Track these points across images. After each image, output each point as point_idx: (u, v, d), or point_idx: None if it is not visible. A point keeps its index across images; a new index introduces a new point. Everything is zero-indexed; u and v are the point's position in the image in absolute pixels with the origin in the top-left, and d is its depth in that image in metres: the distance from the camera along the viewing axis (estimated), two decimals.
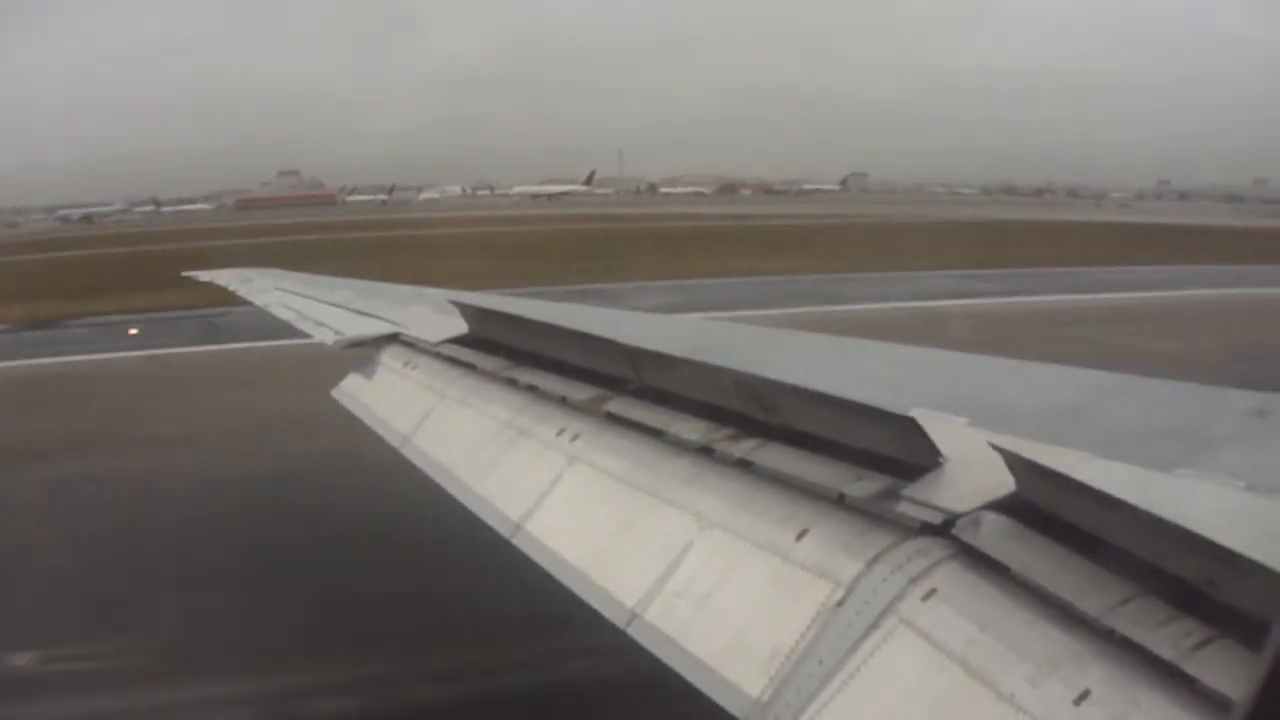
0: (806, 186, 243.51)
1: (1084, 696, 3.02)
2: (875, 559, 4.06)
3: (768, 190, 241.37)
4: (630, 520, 5.42)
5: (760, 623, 4.21)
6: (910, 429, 4.40)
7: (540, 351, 7.84)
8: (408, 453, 8.05)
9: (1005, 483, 4.03)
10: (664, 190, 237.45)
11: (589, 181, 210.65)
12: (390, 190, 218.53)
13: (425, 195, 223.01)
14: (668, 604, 4.67)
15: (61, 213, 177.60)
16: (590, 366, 7.08)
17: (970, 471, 4.30)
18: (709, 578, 4.65)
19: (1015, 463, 3.93)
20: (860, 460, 4.70)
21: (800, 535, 4.46)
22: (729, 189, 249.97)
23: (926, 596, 3.76)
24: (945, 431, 4.61)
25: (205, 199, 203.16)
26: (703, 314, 31.16)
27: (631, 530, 5.36)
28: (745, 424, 5.50)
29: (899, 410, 4.50)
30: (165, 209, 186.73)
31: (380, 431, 8.79)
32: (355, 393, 9.94)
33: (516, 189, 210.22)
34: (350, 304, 12.90)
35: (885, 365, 7.42)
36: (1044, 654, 3.23)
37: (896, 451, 4.57)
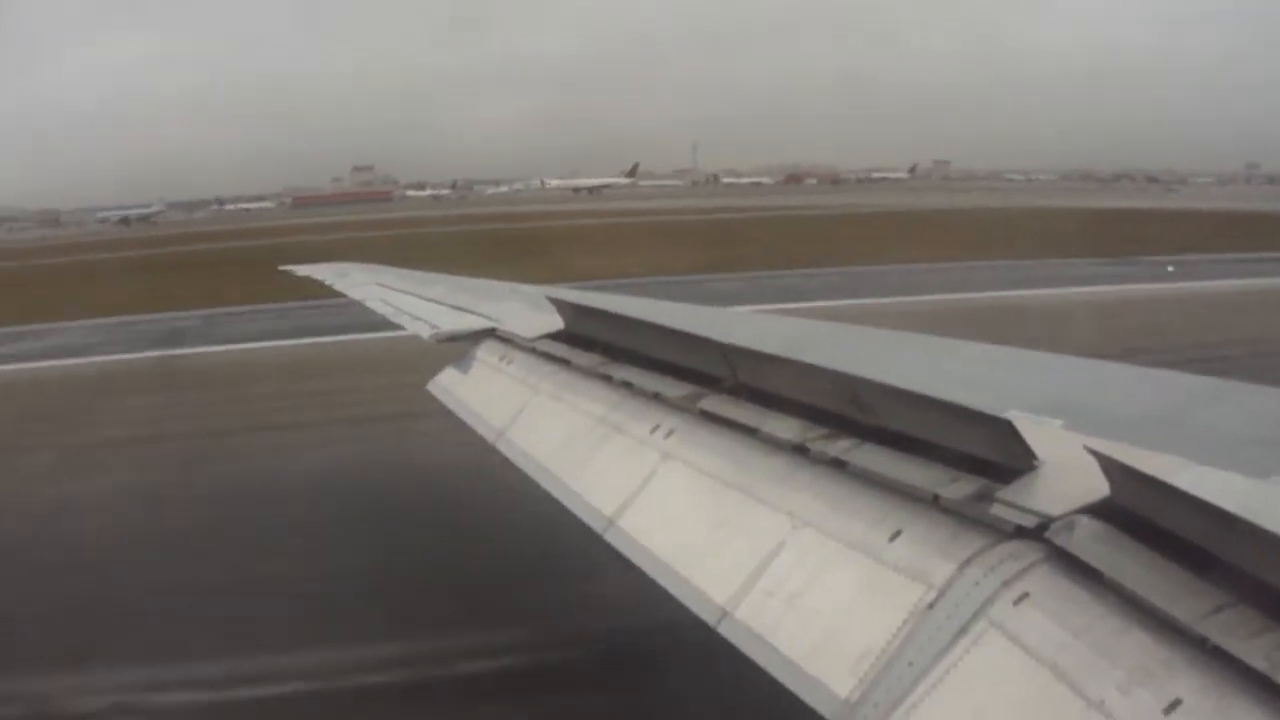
0: (875, 175, 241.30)
1: (1174, 705, 3.01)
2: (968, 561, 4.07)
3: (833, 180, 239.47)
4: (723, 518, 5.48)
5: (851, 623, 4.24)
6: (1006, 431, 4.39)
7: (635, 348, 7.91)
8: (502, 447, 8.20)
9: (1100, 487, 4.00)
10: (726, 181, 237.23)
11: (631, 174, 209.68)
12: (453, 186, 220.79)
13: (491, 191, 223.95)
14: (758, 602, 4.72)
15: (101, 215, 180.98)
16: (685, 364, 7.12)
17: (1065, 475, 4.28)
18: (801, 577, 4.69)
19: (1110, 467, 3.91)
20: (955, 462, 4.69)
21: (893, 536, 4.48)
22: (794, 179, 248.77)
23: (1019, 600, 3.76)
24: (1041, 434, 4.58)
25: (268, 197, 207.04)
26: None
27: (724, 528, 5.41)
28: (840, 424, 5.51)
29: (995, 412, 4.49)
30: (227, 207, 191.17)
31: (475, 425, 8.96)
32: (450, 387, 10.14)
33: (554, 183, 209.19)
34: (446, 299, 13.12)
35: (981, 366, 7.36)
36: (1135, 661, 3.22)
37: (991, 454, 4.56)
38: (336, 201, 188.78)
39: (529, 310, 10.69)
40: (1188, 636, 3.19)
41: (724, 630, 4.74)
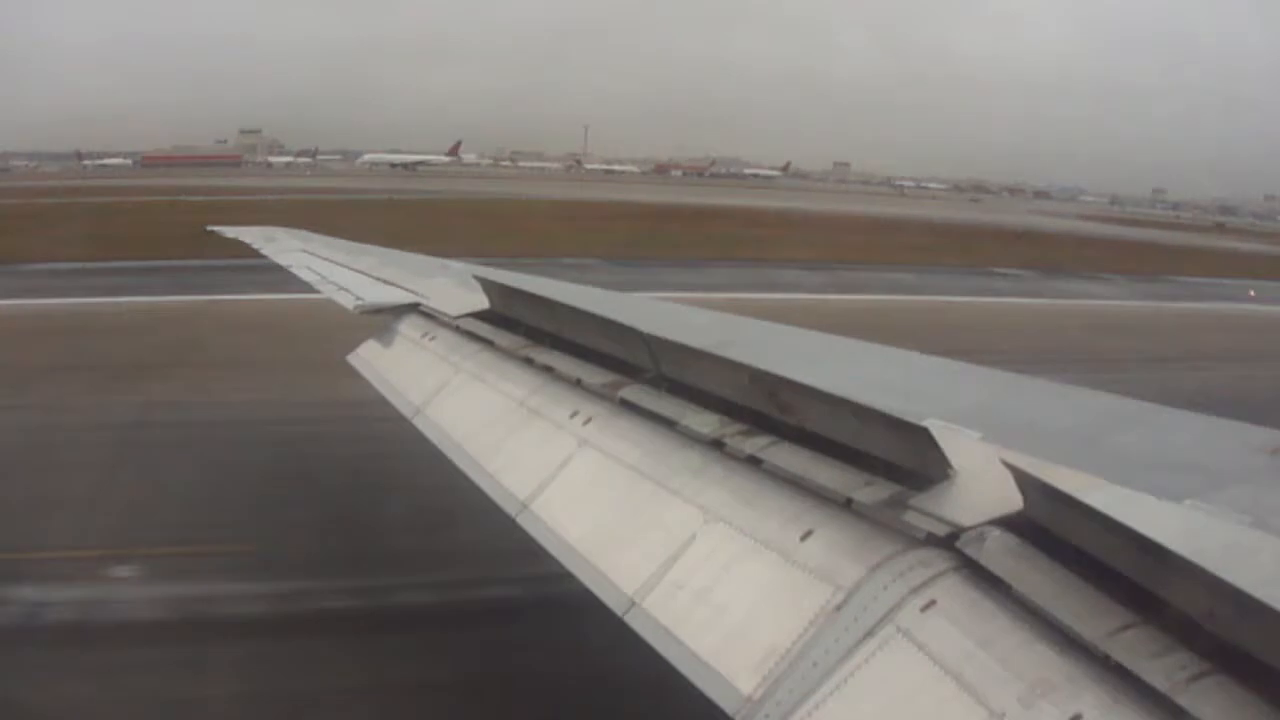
0: (746, 171, 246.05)
1: None
2: (877, 566, 4.06)
3: (700, 173, 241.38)
4: (636, 508, 5.44)
5: (758, 620, 4.22)
6: (923, 439, 4.40)
7: (559, 333, 7.84)
8: (419, 424, 8.08)
9: (1014, 500, 4.02)
10: (588, 167, 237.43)
11: (453, 152, 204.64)
12: (312, 155, 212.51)
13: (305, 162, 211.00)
14: (667, 594, 4.68)
15: None
16: (608, 351, 7.08)
17: (980, 486, 4.30)
18: (710, 571, 4.66)
19: (1025, 481, 3.92)
20: (870, 466, 4.70)
21: (805, 536, 4.46)
22: (662, 169, 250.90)
23: (926, 607, 3.75)
24: (958, 444, 4.60)
25: (125, 155, 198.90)
26: None
27: (637, 518, 5.37)
28: (758, 421, 5.50)
29: (913, 419, 4.49)
30: (85, 163, 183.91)
31: (393, 400, 8.82)
32: (371, 360, 9.98)
33: (367, 157, 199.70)
34: (373, 271, 12.94)
35: (903, 373, 7.39)
36: (1038, 675, 3.23)
37: (907, 460, 4.56)
38: (187, 163, 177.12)
39: (455, 287, 10.56)
40: (1092, 653, 3.20)
41: (631, 620, 4.69)
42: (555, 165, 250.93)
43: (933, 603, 3.76)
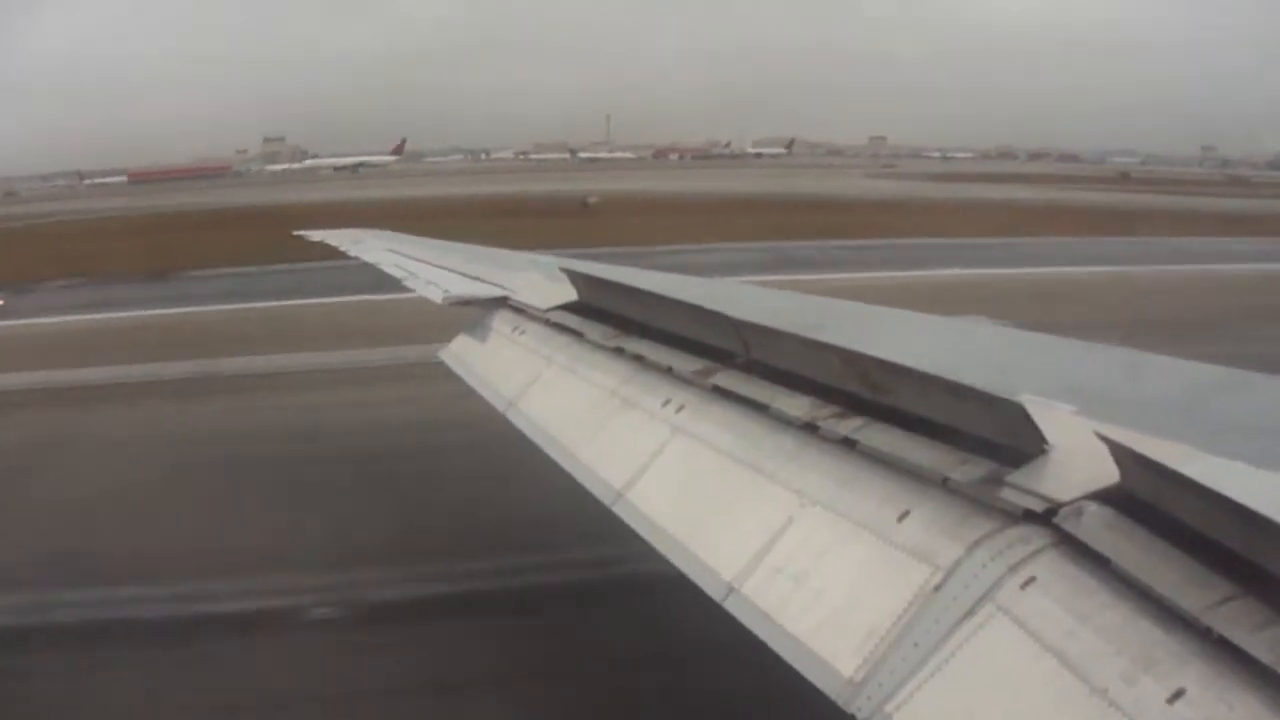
0: (751, 151, 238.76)
1: (1178, 695, 3.02)
2: (976, 544, 4.07)
3: (701, 156, 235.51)
4: (732, 494, 5.49)
5: (857, 603, 4.25)
6: (1017, 415, 4.38)
7: (649, 322, 7.90)
8: (512, 417, 8.22)
9: (1110, 474, 4.00)
10: (584, 155, 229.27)
11: (397, 151, 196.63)
12: (301, 161, 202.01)
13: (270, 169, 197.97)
14: (765, 579, 4.74)
15: None
16: (698, 338, 7.12)
17: (1075, 461, 4.27)
18: (808, 555, 4.70)
19: (1121, 454, 3.90)
20: (965, 444, 4.69)
21: (901, 517, 4.48)
22: (662, 154, 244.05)
23: (1025, 585, 3.76)
24: (1052, 419, 4.57)
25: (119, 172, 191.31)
26: None
27: (732, 504, 5.43)
28: (851, 402, 5.51)
29: (1007, 395, 4.48)
30: (85, 182, 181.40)
31: (485, 395, 8.99)
32: (463, 355, 10.17)
33: (307, 161, 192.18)
34: (460, 268, 13.11)
35: (995, 349, 7.34)
36: (1140, 650, 3.23)
37: (1002, 437, 4.55)
38: (175, 177, 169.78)
39: (543, 280, 10.66)
40: (1193, 626, 3.19)
41: (730, 606, 4.75)
42: (507, 154, 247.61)
43: (1032, 579, 3.76)
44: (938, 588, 4.02)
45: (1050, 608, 3.61)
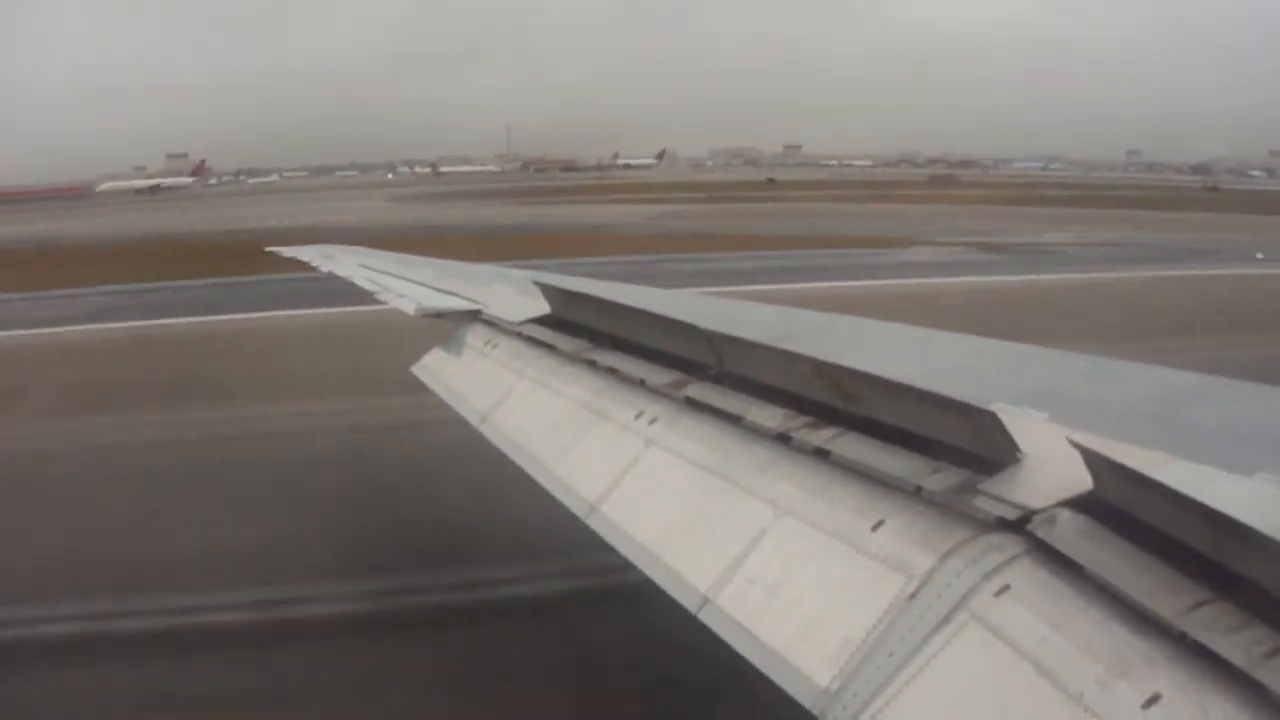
0: (620, 162, 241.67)
1: (1153, 700, 3.01)
2: (949, 553, 4.07)
3: (567, 169, 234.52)
4: (705, 505, 5.47)
5: (832, 612, 4.24)
6: (989, 423, 4.39)
7: (621, 334, 7.90)
8: (486, 431, 8.19)
9: (1083, 481, 4.01)
10: (443, 170, 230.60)
11: (196, 172, 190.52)
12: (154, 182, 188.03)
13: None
14: (740, 590, 4.71)
15: None
16: (671, 351, 7.12)
17: (1048, 468, 4.29)
18: (782, 565, 4.69)
19: (1094, 461, 3.91)
20: (938, 453, 4.69)
21: (875, 526, 4.47)
22: (528, 166, 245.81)
23: (999, 593, 3.76)
24: (1025, 427, 4.59)
25: None
26: None
27: (706, 515, 5.41)
28: (824, 413, 5.51)
29: (979, 404, 4.49)
30: None
31: (459, 409, 8.95)
32: (436, 369, 10.13)
33: (105, 185, 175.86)
34: (433, 282, 13.10)
35: (966, 358, 7.36)
36: (1115, 655, 3.23)
37: (975, 445, 4.56)
38: (28, 197, 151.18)
39: (515, 294, 10.66)
40: (1168, 631, 3.19)
41: (705, 617, 4.73)
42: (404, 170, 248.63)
43: (1006, 587, 3.76)
44: (912, 596, 4.01)
45: (1024, 615, 3.61)
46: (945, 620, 3.81)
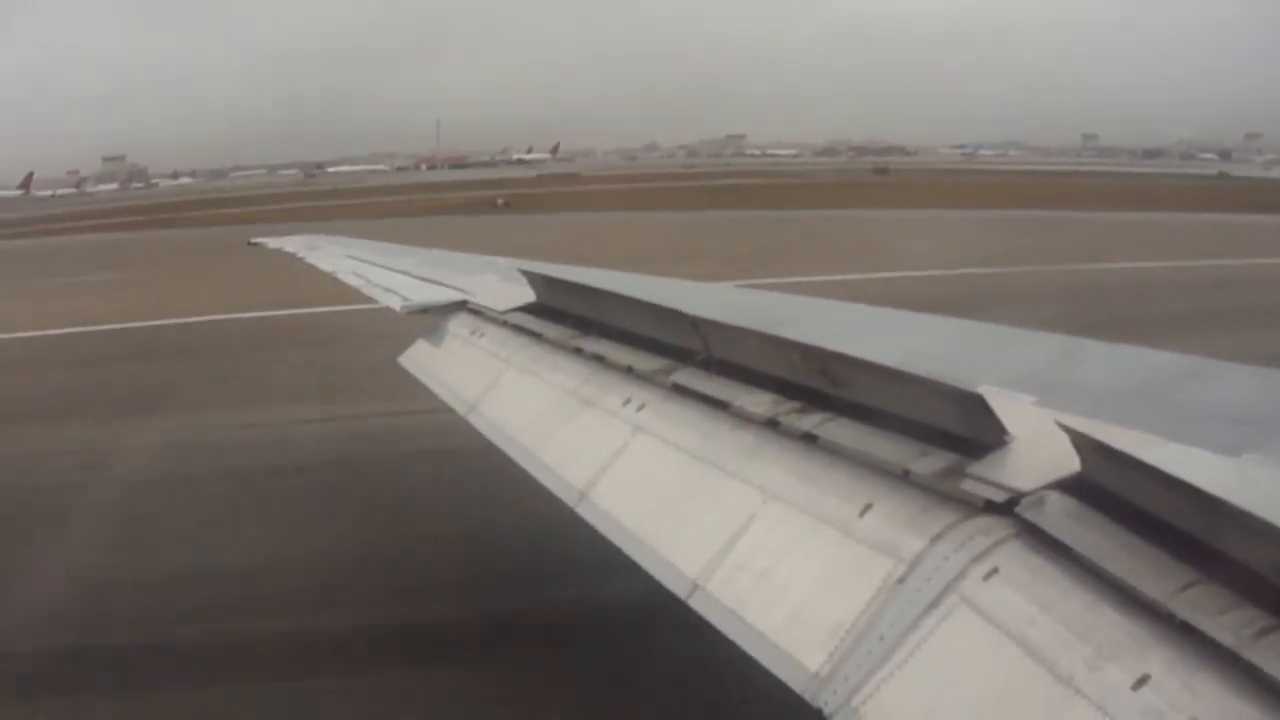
0: (514, 157, 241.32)
1: (1143, 681, 3.02)
2: (938, 536, 4.07)
3: (453, 164, 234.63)
4: (694, 492, 5.47)
5: (821, 597, 4.24)
6: (977, 406, 4.38)
7: (607, 321, 7.87)
8: (473, 420, 8.17)
9: (1071, 463, 4.00)
10: (331, 170, 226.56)
11: (24, 185, 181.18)
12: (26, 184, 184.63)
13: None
14: (729, 576, 4.71)
15: None
16: (657, 337, 7.10)
17: (1036, 450, 4.28)
18: (771, 551, 4.68)
19: (1082, 442, 3.91)
20: (926, 436, 4.69)
21: (864, 511, 4.47)
22: (420, 164, 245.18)
23: (988, 575, 3.76)
24: (1012, 409, 4.58)
25: None
26: None
27: (695, 502, 5.40)
28: (812, 398, 5.50)
29: (966, 386, 4.48)
30: None
31: (446, 399, 8.93)
32: (422, 360, 10.11)
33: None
34: (417, 271, 13.07)
35: (954, 341, 7.35)
36: (1104, 637, 3.23)
37: (963, 428, 4.55)
38: None
39: (501, 283, 10.63)
40: (1157, 612, 3.19)
41: (695, 603, 4.73)
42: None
43: (995, 570, 3.76)
44: (901, 580, 4.01)
45: (1013, 597, 3.61)
46: (934, 604, 3.81)
